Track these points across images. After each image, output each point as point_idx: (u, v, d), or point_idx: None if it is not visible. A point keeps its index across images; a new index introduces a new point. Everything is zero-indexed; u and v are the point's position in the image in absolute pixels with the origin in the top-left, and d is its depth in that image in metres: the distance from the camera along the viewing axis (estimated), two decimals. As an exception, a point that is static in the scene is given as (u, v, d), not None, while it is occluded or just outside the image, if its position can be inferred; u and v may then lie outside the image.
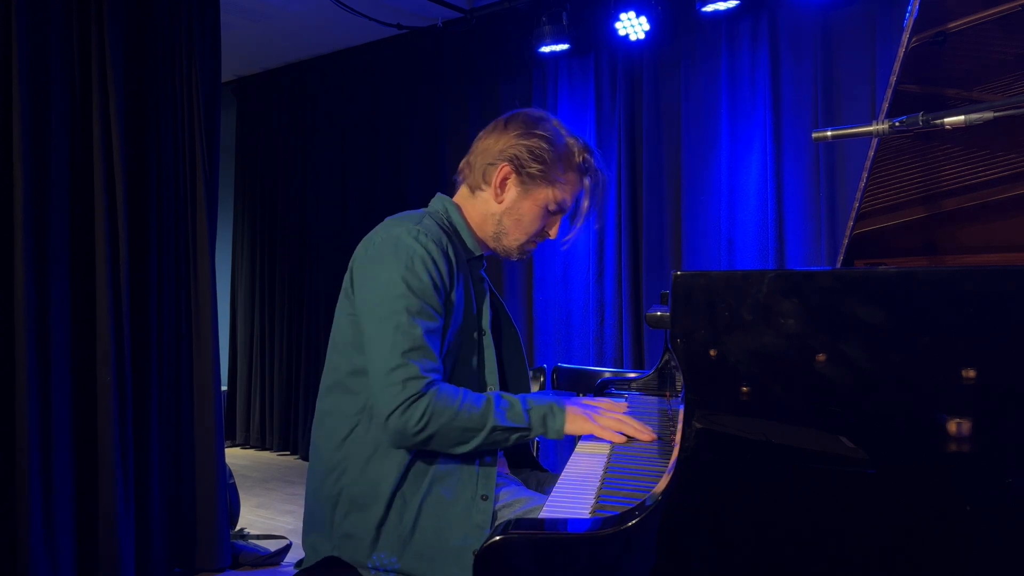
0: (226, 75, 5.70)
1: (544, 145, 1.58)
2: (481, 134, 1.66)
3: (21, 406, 2.65)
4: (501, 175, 1.60)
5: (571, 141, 1.61)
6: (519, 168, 1.58)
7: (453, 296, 1.51)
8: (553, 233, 1.67)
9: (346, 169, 5.42)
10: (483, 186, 1.63)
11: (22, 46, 2.70)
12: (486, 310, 1.60)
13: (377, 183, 5.26)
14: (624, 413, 1.58)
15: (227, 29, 3.93)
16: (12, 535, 2.64)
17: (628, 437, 1.49)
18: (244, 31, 4.95)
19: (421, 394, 1.39)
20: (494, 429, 1.42)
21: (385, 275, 1.46)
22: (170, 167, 3.20)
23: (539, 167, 1.57)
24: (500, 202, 1.62)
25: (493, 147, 1.61)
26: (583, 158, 1.61)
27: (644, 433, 1.48)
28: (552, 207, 1.61)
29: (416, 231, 1.49)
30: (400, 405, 1.38)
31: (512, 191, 1.60)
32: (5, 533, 2.64)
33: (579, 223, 1.68)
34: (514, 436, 1.45)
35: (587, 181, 1.63)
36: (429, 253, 1.47)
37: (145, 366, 3.05)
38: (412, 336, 1.42)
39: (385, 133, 5.26)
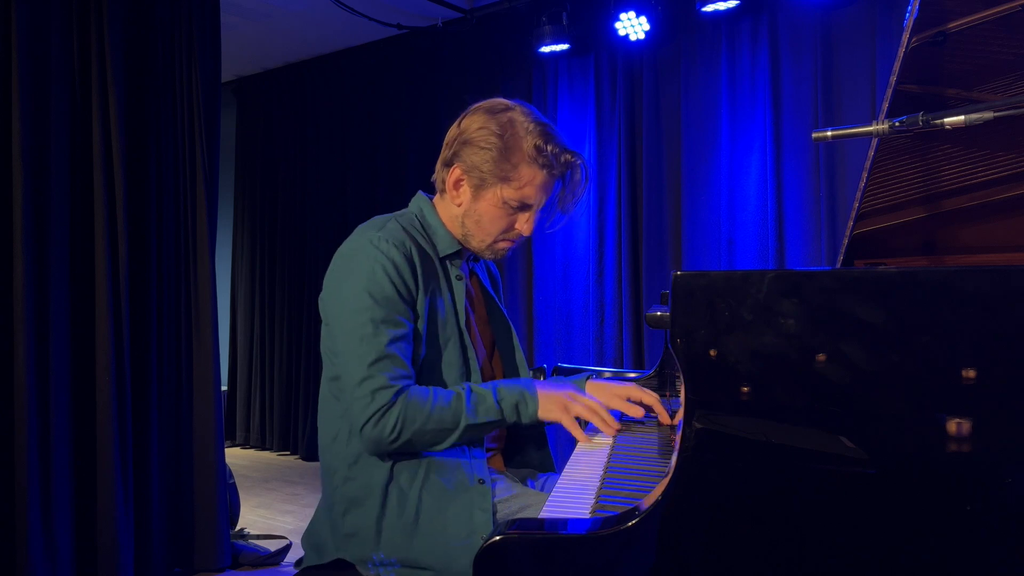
0: (226, 75, 5.70)
1: (493, 140, 1.49)
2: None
3: (20, 406, 2.65)
4: (453, 178, 1.55)
5: (525, 130, 1.50)
6: (468, 169, 1.53)
7: (422, 300, 1.49)
8: (525, 229, 1.58)
9: (346, 169, 5.42)
10: (443, 189, 1.59)
11: (22, 46, 2.70)
12: (462, 310, 1.57)
13: (377, 183, 5.26)
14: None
15: (227, 29, 3.93)
16: (11, 535, 2.64)
17: (610, 427, 1.52)
18: (244, 31, 4.95)
19: (392, 403, 1.40)
20: (468, 427, 1.44)
21: (348, 286, 1.46)
22: (170, 167, 3.20)
23: (488, 166, 1.50)
24: (458, 205, 1.57)
25: (450, 145, 1.56)
26: (536, 146, 1.49)
27: (608, 427, 1.51)
28: (512, 204, 1.53)
29: (377, 238, 1.47)
30: (372, 416, 1.40)
31: (466, 193, 1.55)
32: (4, 533, 2.64)
33: (563, 212, 1.61)
34: (488, 427, 1.48)
35: (544, 173, 1.51)
36: (391, 259, 1.45)
37: (145, 366, 3.05)
38: (377, 346, 1.41)
39: (385, 133, 5.26)
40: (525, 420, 1.48)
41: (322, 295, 1.55)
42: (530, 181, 1.52)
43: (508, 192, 1.52)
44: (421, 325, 1.49)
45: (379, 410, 1.40)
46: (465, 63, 4.86)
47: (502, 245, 1.60)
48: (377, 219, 1.57)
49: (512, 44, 4.58)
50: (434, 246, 1.59)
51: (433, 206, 1.63)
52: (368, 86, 5.32)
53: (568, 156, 1.54)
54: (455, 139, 1.55)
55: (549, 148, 1.51)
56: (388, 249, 1.46)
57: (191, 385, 3.24)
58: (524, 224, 1.57)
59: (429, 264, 1.54)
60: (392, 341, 1.43)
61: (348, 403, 1.44)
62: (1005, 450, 0.93)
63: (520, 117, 1.52)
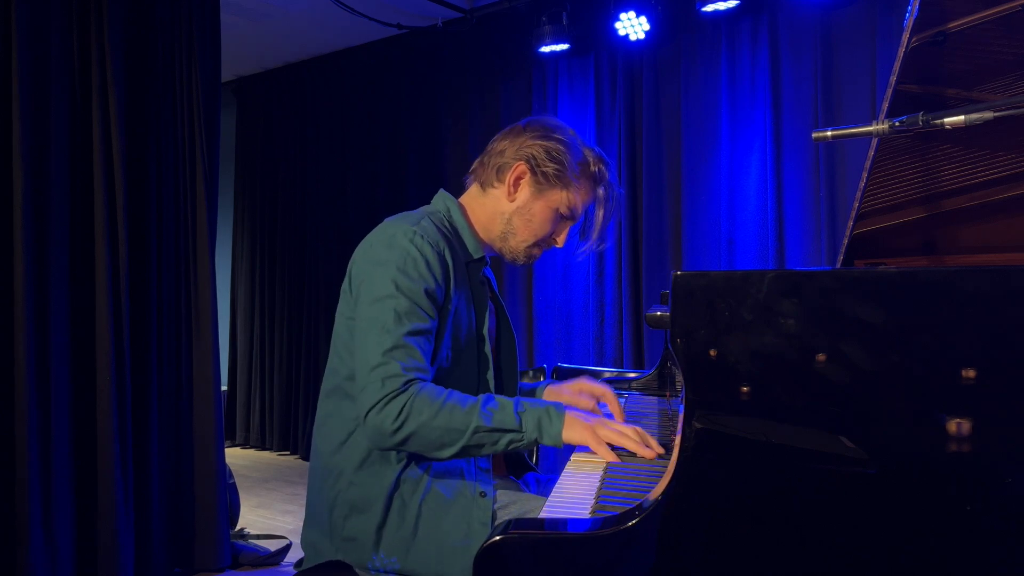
0: (226, 75, 5.70)
1: (562, 148, 1.57)
2: (497, 136, 1.65)
3: (20, 406, 2.65)
4: (516, 173, 1.58)
5: (587, 151, 1.61)
6: (534, 168, 1.57)
7: (450, 302, 1.49)
8: (560, 241, 1.64)
9: (346, 169, 5.42)
10: (496, 184, 1.61)
11: (22, 46, 2.70)
12: (486, 316, 1.58)
13: (377, 183, 5.26)
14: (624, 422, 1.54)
15: (227, 29, 3.93)
16: (11, 535, 2.64)
17: (629, 453, 1.41)
18: (244, 31, 4.95)
19: (400, 391, 1.36)
20: (477, 430, 1.36)
21: (377, 277, 1.45)
22: (170, 167, 3.20)
23: (555, 167, 1.56)
24: (512, 200, 1.59)
25: (509, 147, 1.60)
26: (599, 168, 1.60)
27: (647, 451, 1.38)
28: (564, 211, 1.59)
29: (412, 232, 1.48)
30: (378, 402, 1.35)
31: (525, 191, 1.59)
32: (5, 533, 2.64)
33: (594, 235, 1.64)
34: (504, 439, 1.38)
35: (601, 191, 1.61)
36: (423, 255, 1.45)
37: (145, 366, 3.05)
38: (395, 335, 1.39)
39: (385, 133, 5.26)
40: (547, 440, 1.38)
41: (347, 282, 1.54)
42: (587, 192, 1.60)
43: (570, 197, 1.59)
44: (445, 326, 1.48)
45: (386, 396, 1.35)
46: (465, 63, 4.86)
47: (537, 251, 1.65)
48: (410, 214, 1.57)
49: (512, 44, 4.58)
50: (464, 247, 1.60)
51: (460, 207, 1.64)
52: (368, 86, 5.32)
53: (613, 187, 1.63)
54: (518, 140, 1.60)
55: (607, 175, 1.61)
56: (422, 245, 1.46)
57: (191, 385, 3.23)
58: (563, 235, 1.64)
59: (459, 266, 1.55)
60: (411, 333, 1.41)
61: (357, 392, 1.40)
62: (1005, 450, 0.93)
63: (579, 139, 1.62)
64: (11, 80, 2.69)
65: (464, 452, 1.38)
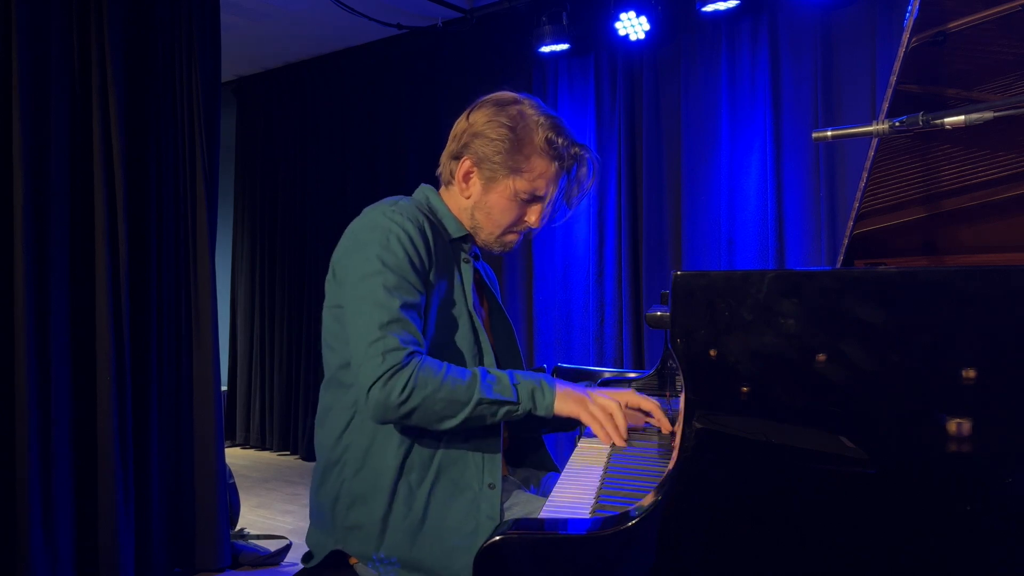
0: (226, 75, 5.70)
1: (504, 132, 1.50)
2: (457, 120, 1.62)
3: (21, 406, 2.65)
4: (463, 170, 1.55)
5: (535, 122, 1.52)
6: (479, 161, 1.53)
7: (433, 275, 1.48)
8: (534, 221, 1.58)
9: (346, 169, 5.42)
10: (451, 180, 1.59)
11: (22, 46, 2.70)
12: (470, 291, 1.56)
13: (377, 183, 5.26)
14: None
15: (227, 29, 3.93)
16: (12, 535, 2.64)
17: (621, 436, 1.45)
18: (244, 31, 4.95)
19: (403, 365, 1.35)
20: (480, 402, 1.37)
21: (361, 256, 1.44)
22: (170, 167, 3.20)
23: (499, 157, 1.51)
24: (467, 197, 1.57)
25: (459, 137, 1.57)
26: (547, 138, 1.51)
27: (620, 439, 1.44)
28: (523, 196, 1.54)
29: (391, 211, 1.47)
30: (381, 376, 1.34)
31: (476, 185, 1.55)
32: (5, 533, 2.64)
33: (568, 205, 1.60)
34: (502, 410, 1.40)
35: (555, 165, 1.53)
36: (404, 230, 1.44)
37: (145, 366, 3.05)
38: (390, 309, 1.38)
39: (385, 133, 5.26)
40: (541, 411, 1.42)
41: (331, 274, 1.53)
42: (542, 173, 1.53)
43: (520, 184, 1.52)
44: (431, 302, 1.47)
45: (389, 370, 1.34)
46: (465, 63, 4.86)
47: (510, 238, 1.60)
48: (388, 199, 1.56)
49: (512, 44, 4.58)
50: (444, 228, 1.58)
51: (439, 196, 1.63)
52: (368, 86, 5.32)
53: (577, 149, 1.55)
54: (464, 131, 1.56)
55: (560, 141, 1.52)
56: (402, 221, 1.45)
57: (191, 385, 3.23)
58: (533, 216, 1.58)
59: (440, 242, 1.53)
60: (404, 306, 1.40)
61: (356, 367, 1.38)
62: (1005, 450, 0.93)
63: (529, 110, 1.53)
64: (11, 80, 2.69)
65: (464, 423, 1.39)
